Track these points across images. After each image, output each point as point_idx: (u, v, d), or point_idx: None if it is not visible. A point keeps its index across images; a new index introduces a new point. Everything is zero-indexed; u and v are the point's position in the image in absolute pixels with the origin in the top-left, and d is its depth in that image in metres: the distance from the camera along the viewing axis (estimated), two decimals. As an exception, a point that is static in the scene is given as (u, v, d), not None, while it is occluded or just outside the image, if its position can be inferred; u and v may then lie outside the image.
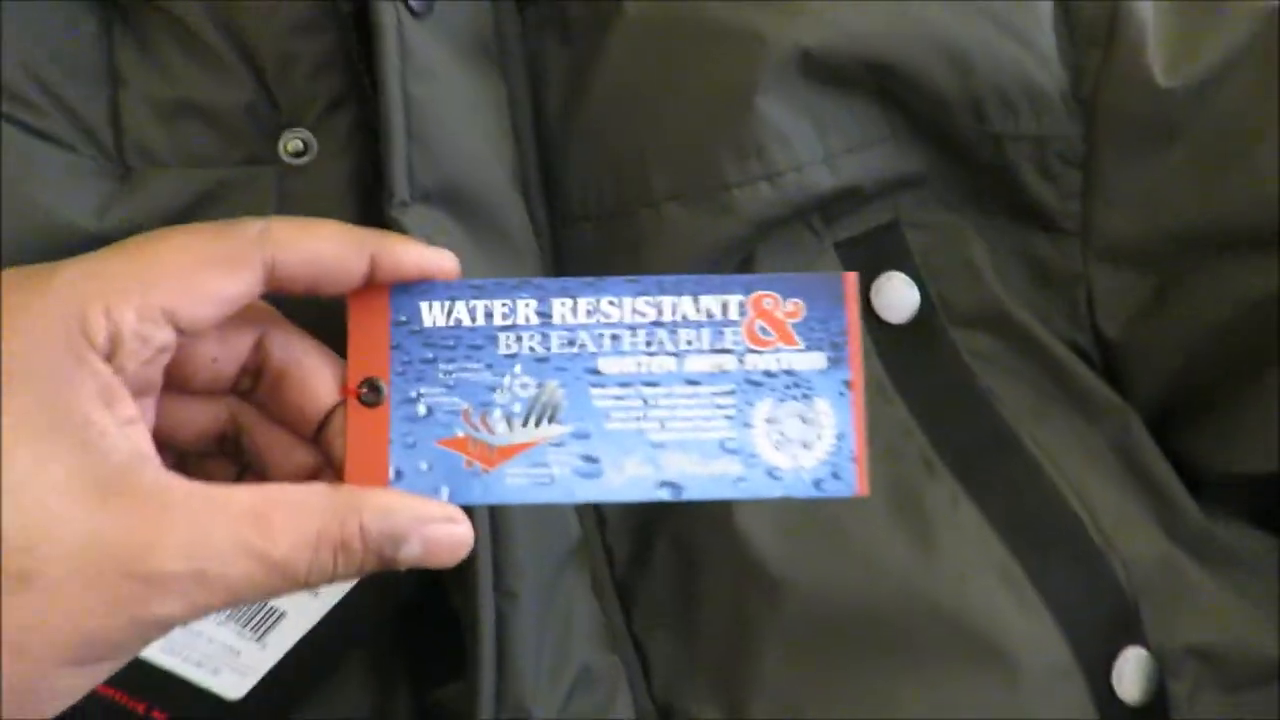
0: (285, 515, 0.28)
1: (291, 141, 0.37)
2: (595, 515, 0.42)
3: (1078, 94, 0.41)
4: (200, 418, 0.33)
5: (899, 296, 0.42)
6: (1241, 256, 0.39)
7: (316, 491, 0.30)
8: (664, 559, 0.42)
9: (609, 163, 0.41)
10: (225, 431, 0.33)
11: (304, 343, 0.33)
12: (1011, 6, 0.41)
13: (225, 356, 0.32)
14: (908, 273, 0.42)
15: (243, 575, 0.28)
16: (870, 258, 0.42)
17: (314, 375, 0.33)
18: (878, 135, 0.41)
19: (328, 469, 0.33)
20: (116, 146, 0.37)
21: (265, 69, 0.37)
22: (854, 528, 0.39)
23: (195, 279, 0.29)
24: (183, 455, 0.33)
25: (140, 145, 0.37)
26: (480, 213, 0.38)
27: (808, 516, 0.39)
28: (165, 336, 0.29)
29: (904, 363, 0.42)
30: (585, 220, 0.42)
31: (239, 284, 0.30)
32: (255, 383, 0.33)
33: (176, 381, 0.31)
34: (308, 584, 0.29)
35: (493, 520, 0.36)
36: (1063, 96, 0.41)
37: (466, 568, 0.34)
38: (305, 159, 0.37)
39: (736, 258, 0.41)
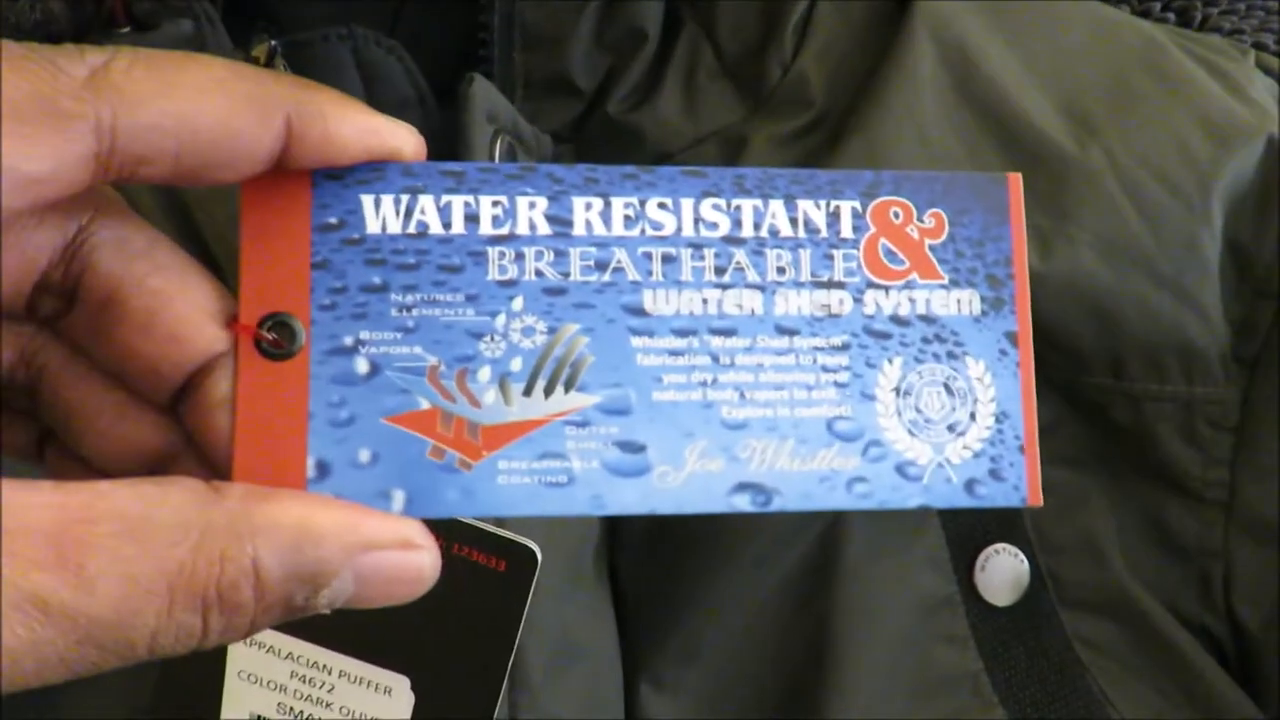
0: (112, 543, 0.18)
1: None
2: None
3: (1239, 354, 0.36)
4: None
5: (1008, 574, 0.37)
6: None
7: (175, 499, 0.18)
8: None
9: None
10: (12, 378, 0.22)
11: (156, 250, 0.21)
12: (1175, 258, 0.35)
13: (7, 263, 0.20)
14: (1018, 545, 0.37)
15: (23, 647, 0.17)
16: (975, 526, 0.37)
17: (174, 304, 0.21)
18: None
19: (187, 455, 0.22)
20: None
21: None
22: None
23: None
24: None
25: None
26: None
27: None
28: None
29: (1007, 656, 0.36)
30: None
31: (47, 158, 0.18)
32: (67, 307, 0.21)
33: None
34: (152, 654, 0.18)
35: None
36: (1221, 357, 0.36)
37: None
38: None
39: None
